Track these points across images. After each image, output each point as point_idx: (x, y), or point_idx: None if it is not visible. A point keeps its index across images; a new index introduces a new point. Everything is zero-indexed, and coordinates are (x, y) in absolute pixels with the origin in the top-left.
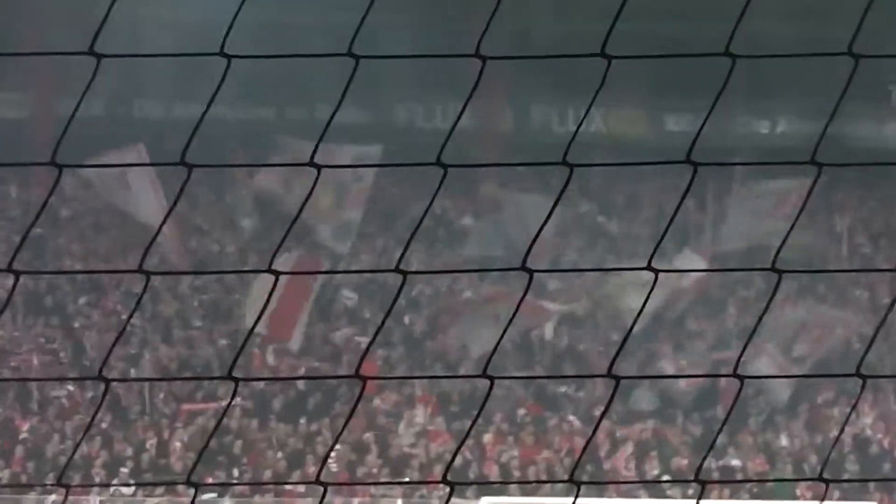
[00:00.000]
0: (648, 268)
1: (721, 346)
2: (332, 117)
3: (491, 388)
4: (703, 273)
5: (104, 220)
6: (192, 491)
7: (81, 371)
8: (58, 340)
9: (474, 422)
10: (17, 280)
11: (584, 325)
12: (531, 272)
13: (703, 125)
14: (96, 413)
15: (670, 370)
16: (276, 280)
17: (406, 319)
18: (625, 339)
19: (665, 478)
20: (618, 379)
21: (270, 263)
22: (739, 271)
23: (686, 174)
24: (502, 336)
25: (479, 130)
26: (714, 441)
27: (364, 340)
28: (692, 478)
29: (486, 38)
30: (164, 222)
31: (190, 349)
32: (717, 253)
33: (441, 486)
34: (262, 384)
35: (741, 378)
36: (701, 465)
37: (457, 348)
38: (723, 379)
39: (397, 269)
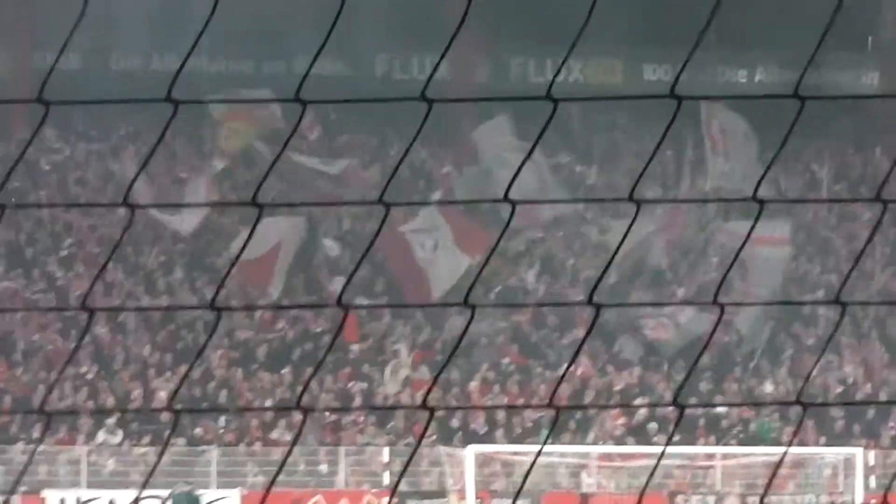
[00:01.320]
0: (630, 199)
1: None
2: (309, 68)
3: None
4: (680, 217)
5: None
6: (180, 440)
7: (65, 322)
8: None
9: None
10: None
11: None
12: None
13: (681, 70)
14: (80, 341)
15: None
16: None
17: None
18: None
19: (651, 425)
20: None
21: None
22: (720, 201)
23: (662, 124)
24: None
25: (458, 81)
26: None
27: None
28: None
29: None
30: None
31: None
32: (696, 196)
33: (429, 436)
34: (245, 335)
35: (721, 306)
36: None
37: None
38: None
39: (381, 202)
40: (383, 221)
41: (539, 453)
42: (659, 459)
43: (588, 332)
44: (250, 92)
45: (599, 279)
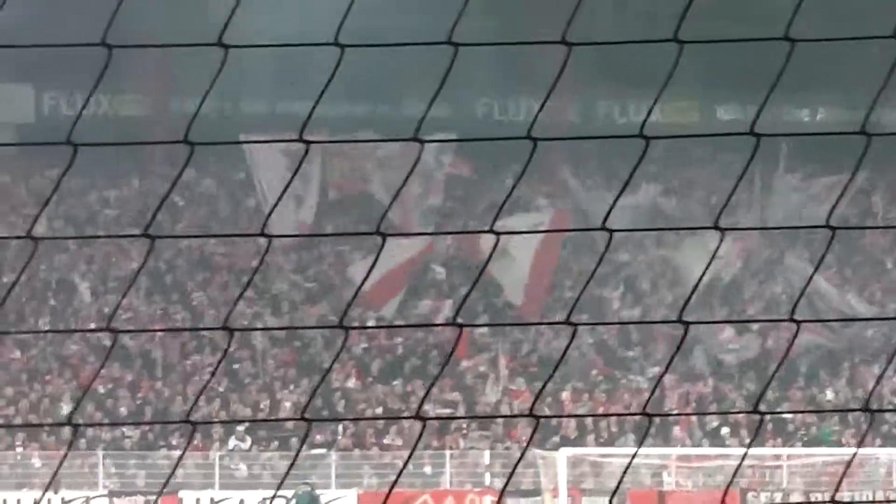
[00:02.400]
0: (716, 227)
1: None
2: (425, 114)
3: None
4: (753, 242)
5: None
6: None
7: (199, 340)
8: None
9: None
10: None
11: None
12: None
13: (759, 110)
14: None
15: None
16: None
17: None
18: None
19: (724, 430)
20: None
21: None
22: (795, 229)
23: (734, 159)
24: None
25: (551, 122)
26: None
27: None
28: (746, 425)
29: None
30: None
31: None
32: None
33: (524, 437)
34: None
35: (797, 322)
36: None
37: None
38: (771, 341)
39: (491, 230)
40: (494, 248)
41: (634, 456)
42: (741, 462)
43: (678, 348)
44: (364, 132)
45: (688, 299)
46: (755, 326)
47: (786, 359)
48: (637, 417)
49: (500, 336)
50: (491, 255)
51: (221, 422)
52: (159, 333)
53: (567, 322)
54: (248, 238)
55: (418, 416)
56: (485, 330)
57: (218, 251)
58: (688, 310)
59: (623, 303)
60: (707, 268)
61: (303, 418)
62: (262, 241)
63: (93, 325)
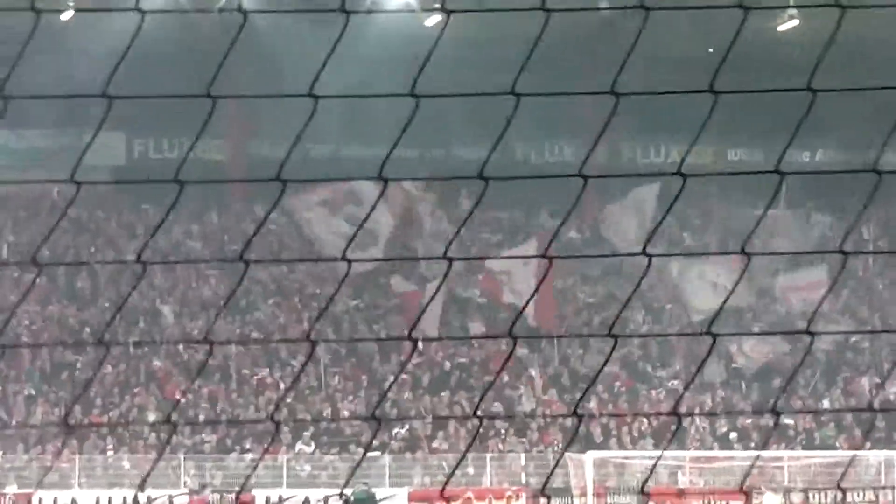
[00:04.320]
0: (743, 252)
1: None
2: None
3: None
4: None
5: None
6: (360, 450)
7: (269, 355)
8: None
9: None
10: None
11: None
12: None
13: (783, 153)
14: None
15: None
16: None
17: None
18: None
19: (732, 435)
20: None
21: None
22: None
23: (746, 195)
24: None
25: (580, 162)
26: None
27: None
28: (752, 430)
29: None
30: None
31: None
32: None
33: (555, 441)
34: (412, 364)
35: (812, 334)
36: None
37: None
38: (773, 356)
39: (544, 255)
40: (544, 276)
41: (659, 458)
42: (753, 462)
43: (705, 359)
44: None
45: (716, 314)
46: (763, 343)
47: (799, 367)
48: (655, 424)
49: (535, 352)
50: (539, 284)
51: (312, 419)
52: (234, 350)
53: (609, 335)
54: (313, 267)
55: (475, 414)
56: (521, 349)
57: (288, 278)
58: (702, 327)
59: (644, 321)
60: (731, 292)
61: (374, 417)
62: (326, 270)
63: (174, 344)
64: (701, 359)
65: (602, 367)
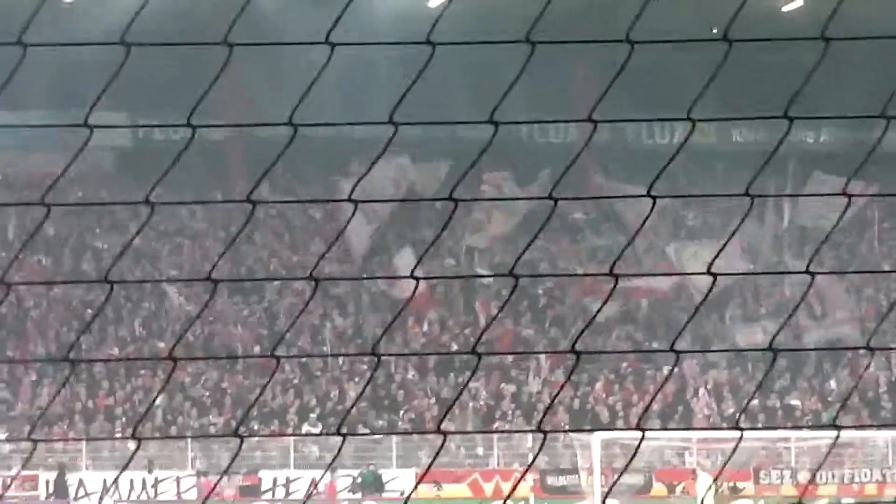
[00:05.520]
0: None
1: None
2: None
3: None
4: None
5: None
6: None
7: (274, 337)
8: (257, 314)
9: None
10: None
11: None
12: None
13: (786, 133)
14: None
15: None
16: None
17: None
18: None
19: (738, 414)
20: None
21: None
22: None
23: (747, 175)
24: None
25: (583, 141)
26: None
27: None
28: (759, 411)
29: (585, 71)
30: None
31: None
32: (778, 234)
33: (561, 424)
34: (419, 345)
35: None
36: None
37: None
38: (780, 336)
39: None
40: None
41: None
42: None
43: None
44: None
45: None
46: (769, 323)
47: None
48: (662, 406)
49: (540, 335)
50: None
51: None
52: (239, 331)
53: (611, 273)
54: (319, 248)
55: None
56: (529, 330)
57: (292, 260)
58: (709, 308)
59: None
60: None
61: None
62: (337, 252)
63: (180, 326)
64: (707, 339)
65: (600, 309)
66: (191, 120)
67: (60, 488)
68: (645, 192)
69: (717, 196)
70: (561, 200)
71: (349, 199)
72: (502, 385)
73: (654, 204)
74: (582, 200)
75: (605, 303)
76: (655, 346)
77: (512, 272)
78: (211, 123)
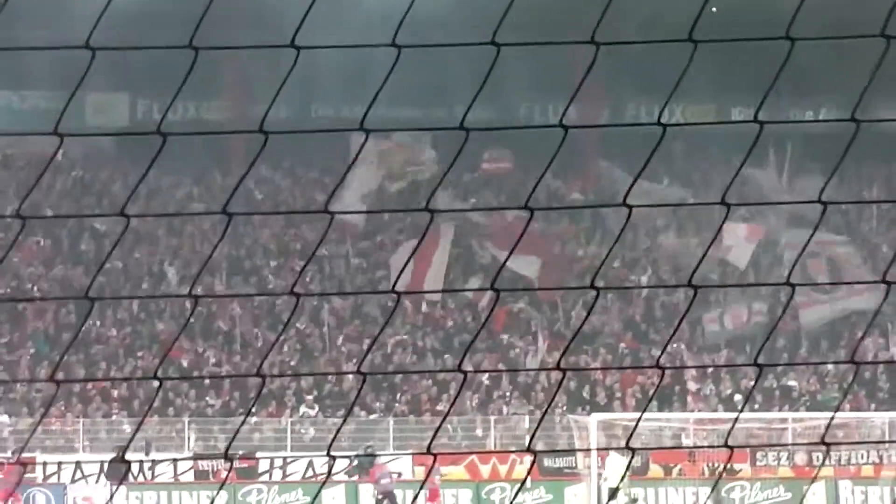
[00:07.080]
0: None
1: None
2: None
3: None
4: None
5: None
6: (366, 414)
7: (273, 318)
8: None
9: None
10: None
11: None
12: None
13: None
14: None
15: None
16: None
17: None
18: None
19: (737, 396)
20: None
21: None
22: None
23: (744, 154)
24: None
25: (585, 122)
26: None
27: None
28: (757, 391)
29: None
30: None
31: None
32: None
33: (561, 404)
34: (414, 325)
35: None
36: None
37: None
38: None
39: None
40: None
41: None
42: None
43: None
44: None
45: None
46: (764, 304)
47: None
48: (658, 388)
49: (537, 314)
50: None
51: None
52: (238, 312)
53: (592, 286)
54: (319, 228)
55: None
56: (525, 309)
57: (292, 241)
58: (700, 283)
59: (649, 283)
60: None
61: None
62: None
63: (178, 306)
64: (700, 319)
65: (586, 318)
66: (190, 103)
67: (114, 470)
68: (649, 181)
69: (715, 201)
70: (537, 210)
71: (325, 211)
72: (500, 365)
73: (630, 213)
74: (580, 185)
75: (588, 314)
76: (651, 331)
77: (493, 286)
78: (211, 103)
